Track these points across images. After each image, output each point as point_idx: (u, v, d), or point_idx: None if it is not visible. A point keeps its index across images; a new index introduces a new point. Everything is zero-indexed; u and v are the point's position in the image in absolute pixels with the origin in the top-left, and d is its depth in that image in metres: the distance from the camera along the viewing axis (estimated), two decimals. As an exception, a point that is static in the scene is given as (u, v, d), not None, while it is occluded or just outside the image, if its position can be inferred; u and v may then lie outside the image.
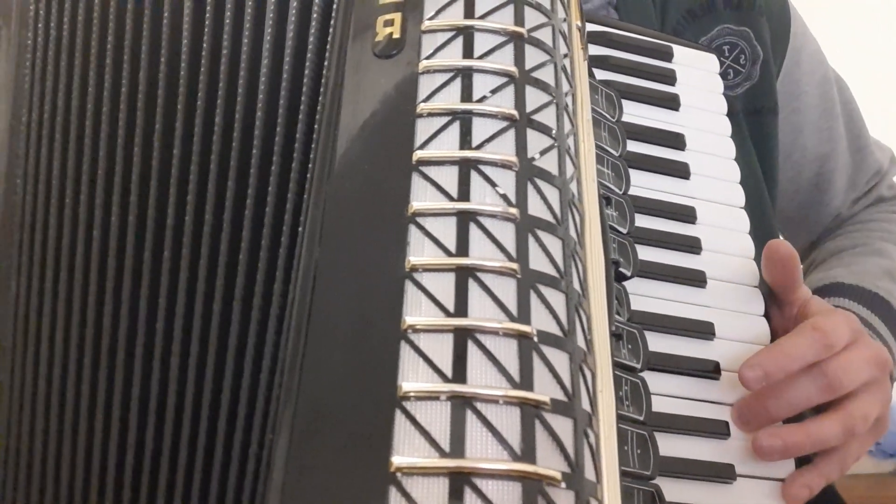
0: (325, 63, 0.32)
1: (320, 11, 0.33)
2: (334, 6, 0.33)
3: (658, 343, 0.42)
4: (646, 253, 0.44)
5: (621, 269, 0.41)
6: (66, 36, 0.33)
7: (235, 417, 0.26)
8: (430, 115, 0.28)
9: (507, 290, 0.25)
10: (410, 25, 0.30)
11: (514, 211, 0.26)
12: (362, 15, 0.32)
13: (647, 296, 0.43)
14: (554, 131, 0.29)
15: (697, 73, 0.56)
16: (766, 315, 0.46)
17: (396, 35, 0.30)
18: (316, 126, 0.30)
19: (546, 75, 0.31)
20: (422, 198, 0.26)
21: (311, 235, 0.27)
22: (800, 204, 0.64)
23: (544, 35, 0.32)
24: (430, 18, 0.31)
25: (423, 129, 0.28)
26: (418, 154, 0.27)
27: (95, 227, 0.30)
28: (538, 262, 0.26)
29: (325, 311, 0.25)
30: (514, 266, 0.25)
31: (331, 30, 0.32)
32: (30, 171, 0.32)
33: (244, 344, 0.28)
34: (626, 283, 0.42)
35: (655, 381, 0.40)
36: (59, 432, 0.30)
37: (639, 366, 0.39)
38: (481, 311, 0.24)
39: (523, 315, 0.24)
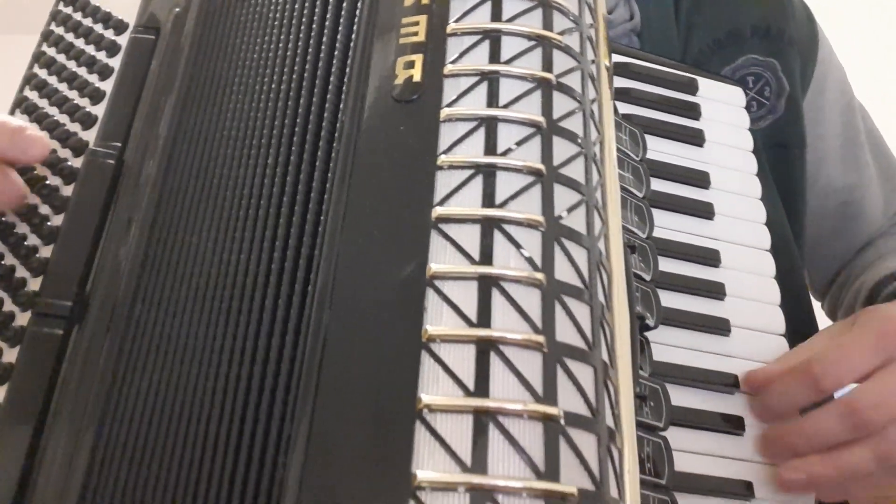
0: (341, 105, 0.30)
1: (340, 50, 0.31)
2: (351, 44, 0.31)
3: (680, 396, 0.40)
4: (668, 299, 0.42)
5: (645, 321, 0.39)
6: None
7: None
8: (452, 167, 0.26)
9: (532, 367, 0.23)
10: (432, 68, 0.29)
11: (540, 276, 0.24)
12: (381, 55, 0.30)
13: (669, 345, 0.42)
14: (582, 185, 0.28)
15: (723, 108, 0.54)
16: None
17: (417, 78, 0.29)
18: (329, 175, 0.28)
19: (574, 124, 0.29)
20: (441, 259, 0.24)
21: (321, 297, 0.25)
22: (827, 231, 0.62)
23: (573, 80, 0.30)
24: (453, 62, 0.29)
25: (444, 183, 0.26)
26: (438, 211, 0.25)
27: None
28: (565, 333, 0.24)
29: (334, 384, 0.23)
30: (540, 339, 0.23)
31: (347, 69, 0.31)
32: None
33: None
34: (648, 333, 0.40)
35: (677, 437, 0.38)
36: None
37: (661, 424, 0.37)
38: (504, 390, 0.22)
39: (549, 395, 0.22)
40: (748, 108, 0.55)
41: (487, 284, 0.24)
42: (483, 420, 0.22)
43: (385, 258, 0.25)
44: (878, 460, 0.37)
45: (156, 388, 0.28)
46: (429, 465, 0.21)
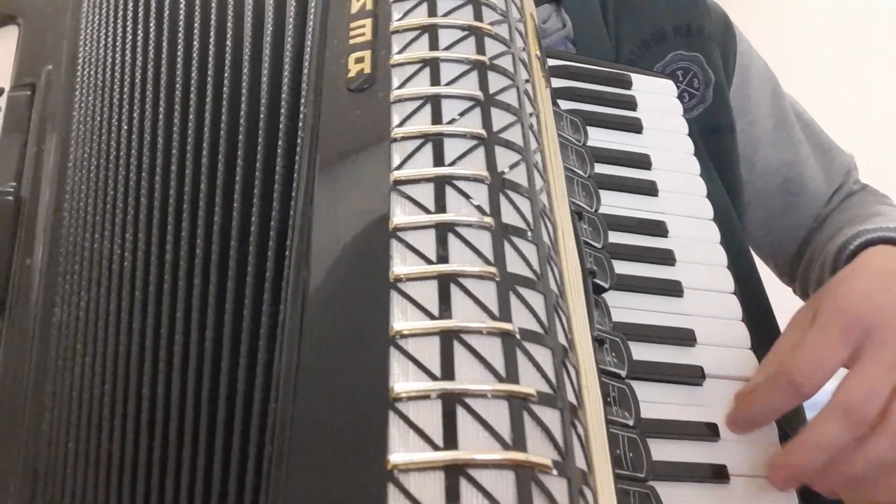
0: (302, 100, 0.33)
1: (292, 54, 0.35)
2: (307, 47, 0.35)
3: (641, 352, 0.43)
4: (622, 267, 0.46)
5: (599, 281, 0.42)
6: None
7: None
8: (405, 138, 0.30)
9: (487, 293, 0.26)
10: (380, 60, 0.33)
11: (489, 220, 0.27)
12: (334, 54, 0.34)
13: (626, 308, 0.45)
14: (521, 147, 0.31)
15: (656, 98, 0.59)
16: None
17: (368, 70, 0.32)
18: (297, 158, 0.32)
19: (510, 98, 0.33)
20: (402, 214, 0.28)
21: (298, 257, 0.28)
22: (775, 210, 0.67)
23: (505, 62, 0.34)
24: (399, 53, 0.33)
25: (399, 151, 0.30)
26: (395, 174, 0.29)
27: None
28: (515, 265, 0.27)
29: (315, 328, 0.26)
30: (493, 270, 0.26)
31: (305, 70, 0.35)
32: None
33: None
34: (605, 297, 0.44)
35: (642, 390, 0.41)
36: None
37: (624, 373, 0.40)
38: (465, 313, 0.25)
39: (505, 314, 0.25)
40: (681, 99, 0.60)
41: (443, 230, 0.27)
42: (448, 339, 0.25)
43: (352, 219, 0.28)
44: (849, 425, 0.38)
45: (89, 380, 0.31)
46: (402, 382, 0.24)
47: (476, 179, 0.29)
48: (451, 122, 0.30)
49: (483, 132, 0.30)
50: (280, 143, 0.33)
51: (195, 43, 0.36)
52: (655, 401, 0.42)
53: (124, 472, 0.28)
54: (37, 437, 0.31)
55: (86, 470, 0.29)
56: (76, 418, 0.30)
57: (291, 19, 0.36)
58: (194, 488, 0.27)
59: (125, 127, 0.36)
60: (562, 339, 0.27)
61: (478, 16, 0.34)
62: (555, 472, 0.23)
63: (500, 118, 0.31)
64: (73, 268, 0.34)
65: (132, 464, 0.28)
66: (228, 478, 0.27)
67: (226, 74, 0.35)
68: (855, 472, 0.38)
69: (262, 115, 0.34)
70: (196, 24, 0.37)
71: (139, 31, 0.39)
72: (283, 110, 0.33)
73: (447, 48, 0.33)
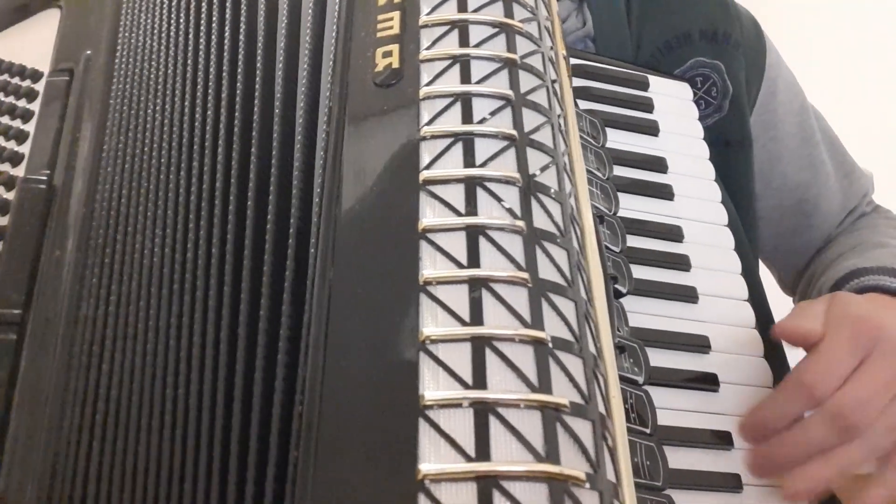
0: (328, 94, 0.33)
1: (312, 46, 0.34)
2: (332, 38, 0.34)
3: (656, 358, 0.43)
4: (638, 271, 0.45)
5: (618, 286, 0.42)
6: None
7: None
8: (434, 137, 0.29)
9: (519, 299, 0.25)
10: (408, 55, 0.32)
11: (520, 224, 0.27)
12: (360, 47, 0.33)
13: (641, 313, 0.44)
14: (551, 149, 0.31)
15: (673, 101, 0.58)
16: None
17: (396, 65, 0.32)
18: (322, 153, 0.31)
19: (540, 98, 0.32)
20: (430, 215, 0.27)
21: (324, 256, 0.27)
22: (787, 229, 0.65)
23: (535, 61, 0.33)
24: (428, 49, 0.32)
25: (428, 150, 0.29)
26: (425, 174, 0.28)
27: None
28: (546, 271, 0.26)
29: (342, 330, 0.26)
30: (525, 275, 0.26)
31: (330, 62, 0.34)
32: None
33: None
34: (621, 301, 0.43)
35: (656, 395, 0.41)
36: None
37: (641, 379, 0.40)
38: (496, 320, 0.25)
39: (537, 322, 0.25)
40: (697, 105, 0.59)
41: (474, 233, 0.26)
42: (480, 346, 0.24)
43: (380, 218, 0.28)
44: (836, 429, 0.38)
45: (118, 377, 0.31)
46: (433, 389, 0.23)
47: (507, 181, 0.28)
48: (482, 121, 0.30)
49: (514, 133, 0.29)
50: (299, 137, 0.32)
51: (226, 33, 0.35)
52: (669, 407, 0.42)
53: (149, 476, 0.27)
54: (58, 436, 0.30)
55: (111, 471, 0.28)
56: (102, 417, 0.30)
57: (309, 12, 0.35)
58: (209, 494, 0.26)
59: (158, 118, 0.35)
60: (591, 348, 0.27)
61: (508, 13, 0.34)
62: (587, 485, 0.22)
63: (530, 119, 0.31)
64: (103, 261, 0.34)
65: (156, 467, 0.27)
66: (245, 482, 0.26)
67: (258, 65, 0.34)
68: (831, 475, 0.38)
69: (301, 111, 0.33)
70: (228, 15, 0.36)
71: (172, 20, 0.38)
72: (302, 103, 0.32)
73: (477, 45, 0.32)
